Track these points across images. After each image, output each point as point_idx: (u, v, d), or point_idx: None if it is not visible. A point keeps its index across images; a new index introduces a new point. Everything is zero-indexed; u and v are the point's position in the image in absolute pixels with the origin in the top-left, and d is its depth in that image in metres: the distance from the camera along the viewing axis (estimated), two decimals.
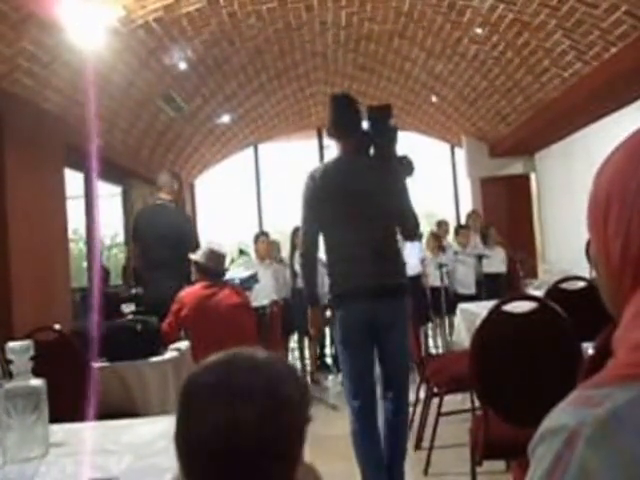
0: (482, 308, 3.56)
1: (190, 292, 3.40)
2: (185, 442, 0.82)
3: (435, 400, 3.64)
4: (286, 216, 8.60)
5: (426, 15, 5.05)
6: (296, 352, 6.82)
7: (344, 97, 2.88)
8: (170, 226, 4.20)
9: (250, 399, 0.80)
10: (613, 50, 4.42)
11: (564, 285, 3.32)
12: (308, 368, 6.39)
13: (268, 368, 0.85)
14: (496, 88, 6.15)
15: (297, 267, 6.29)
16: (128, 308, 3.47)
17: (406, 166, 2.80)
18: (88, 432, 1.78)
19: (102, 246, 6.35)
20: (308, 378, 6.20)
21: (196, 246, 4.01)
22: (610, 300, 0.66)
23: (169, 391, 2.95)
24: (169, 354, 3.31)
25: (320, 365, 6.83)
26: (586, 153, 6.19)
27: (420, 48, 5.81)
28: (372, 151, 2.80)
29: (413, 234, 2.91)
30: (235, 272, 5.77)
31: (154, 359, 3.13)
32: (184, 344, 3.47)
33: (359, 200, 2.69)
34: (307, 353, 6.50)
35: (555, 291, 3.26)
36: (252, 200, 9.05)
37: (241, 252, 6.39)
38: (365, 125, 2.80)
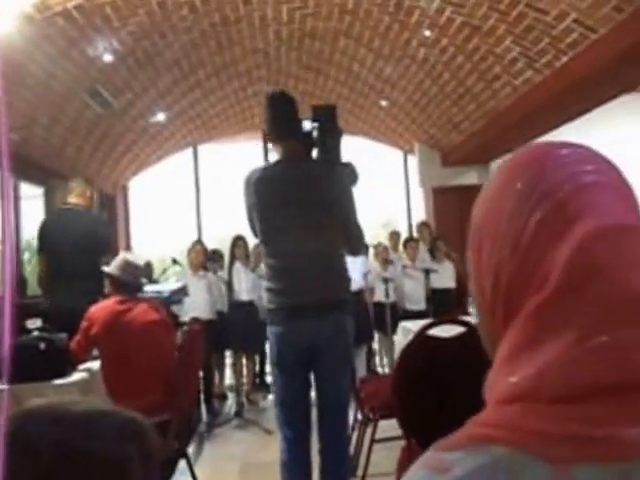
0: None
1: (101, 308, 3.27)
2: None
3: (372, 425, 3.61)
4: (228, 224, 8.49)
5: (372, 14, 5.06)
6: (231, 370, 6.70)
7: (281, 95, 2.79)
8: (82, 232, 4.02)
9: (36, 450, 0.77)
10: (564, 59, 4.50)
11: None
12: (245, 387, 6.27)
13: (83, 422, 0.80)
14: (447, 94, 6.20)
15: (235, 280, 6.19)
16: (33, 324, 3.33)
17: (349, 174, 2.73)
18: None
19: (20, 253, 6.13)
20: (244, 399, 6.07)
21: (113, 254, 3.87)
22: (486, 338, 0.66)
23: None
24: (76, 375, 3.19)
25: (259, 384, 6.73)
26: None
27: (367, 49, 5.82)
28: (314, 155, 2.72)
29: (357, 249, 2.83)
30: (165, 284, 5.65)
31: (58, 381, 3.02)
32: (96, 364, 3.35)
33: (300, 209, 2.59)
34: (245, 371, 6.38)
35: None
36: (191, 205, 8.91)
37: (174, 262, 6.26)
38: (308, 126, 2.71)
